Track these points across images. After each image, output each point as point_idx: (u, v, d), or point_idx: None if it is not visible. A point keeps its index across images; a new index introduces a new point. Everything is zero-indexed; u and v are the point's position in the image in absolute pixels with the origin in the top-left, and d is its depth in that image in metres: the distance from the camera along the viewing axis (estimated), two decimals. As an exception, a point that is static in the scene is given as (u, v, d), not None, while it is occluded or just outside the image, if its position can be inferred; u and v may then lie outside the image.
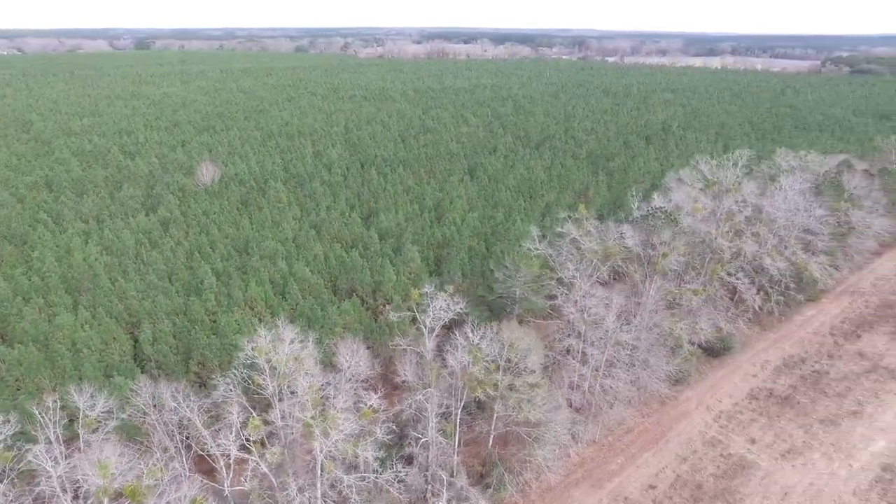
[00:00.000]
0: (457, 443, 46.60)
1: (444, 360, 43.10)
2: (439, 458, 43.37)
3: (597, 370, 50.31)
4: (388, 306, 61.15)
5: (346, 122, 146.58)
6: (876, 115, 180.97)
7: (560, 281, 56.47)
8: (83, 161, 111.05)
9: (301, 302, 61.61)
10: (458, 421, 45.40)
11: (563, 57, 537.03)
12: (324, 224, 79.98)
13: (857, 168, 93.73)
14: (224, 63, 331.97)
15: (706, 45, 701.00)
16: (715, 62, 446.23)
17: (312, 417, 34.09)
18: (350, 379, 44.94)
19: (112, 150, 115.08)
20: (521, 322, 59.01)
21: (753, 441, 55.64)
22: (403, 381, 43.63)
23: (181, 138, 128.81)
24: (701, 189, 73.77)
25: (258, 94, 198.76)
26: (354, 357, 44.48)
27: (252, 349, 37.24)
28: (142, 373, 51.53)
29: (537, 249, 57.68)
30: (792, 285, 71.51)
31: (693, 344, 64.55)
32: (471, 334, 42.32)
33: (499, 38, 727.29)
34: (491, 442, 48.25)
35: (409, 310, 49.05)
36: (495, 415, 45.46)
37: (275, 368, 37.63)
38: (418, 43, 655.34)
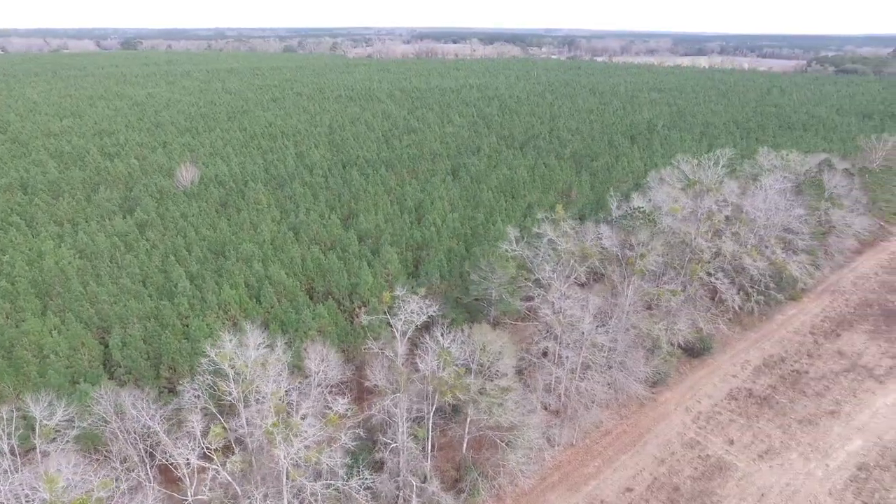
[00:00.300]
0: (430, 447, 45.98)
1: (415, 363, 42.47)
2: (410, 464, 42.71)
3: (573, 372, 49.85)
4: (363, 309, 60.45)
5: (331, 122, 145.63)
6: (859, 114, 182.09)
7: (538, 282, 56.01)
8: (61, 162, 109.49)
9: (276, 305, 60.77)
10: (431, 425, 44.79)
11: (553, 57, 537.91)
12: (302, 226, 79.10)
13: (838, 167, 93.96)
14: (211, 63, 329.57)
15: (695, 44, 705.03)
16: (702, 62, 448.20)
17: (274, 424, 33.33)
18: (320, 384, 44.24)
19: (91, 152, 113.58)
20: (497, 324, 58.53)
21: (732, 442, 55.38)
22: (374, 386, 42.93)
23: (162, 139, 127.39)
24: (681, 189, 73.61)
25: (243, 95, 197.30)
26: (324, 362, 43.79)
27: (215, 355, 36.45)
28: (110, 379, 50.53)
29: (514, 251, 57.16)
30: (772, 285, 71.40)
31: (673, 345, 64.35)
32: (441, 338, 41.70)
33: (489, 37, 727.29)
34: (465, 446, 47.66)
35: (383, 313, 48.42)
36: (468, 419, 44.88)
37: (239, 374, 36.86)
38: (408, 43, 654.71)
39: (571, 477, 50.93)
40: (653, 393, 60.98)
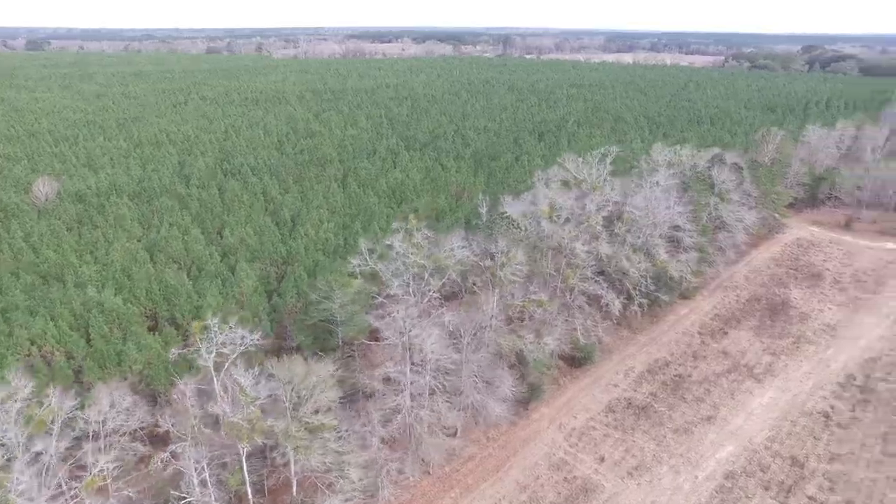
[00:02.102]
0: (250, 493, 40.59)
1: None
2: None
3: (414, 399, 45.35)
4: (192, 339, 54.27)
5: (227, 127, 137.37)
6: (764, 108, 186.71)
7: (391, 298, 51.37)
8: None
9: (106, 336, 53.81)
10: (247, 469, 39.39)
11: (485, 54, 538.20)
12: (161, 243, 71.93)
13: (728, 162, 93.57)
14: (120, 66, 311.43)
15: (627, 42, 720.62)
16: (627, 58, 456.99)
17: None
18: (112, 432, 38.17)
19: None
20: (349, 346, 53.53)
21: (602, 459, 52.21)
22: (165, 432, 37.22)
23: (32, 150, 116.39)
24: (558, 189, 70.57)
25: (143, 100, 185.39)
26: (113, 408, 37.78)
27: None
28: None
29: (364, 265, 52.32)
30: (652, 287, 69.18)
31: (550, 357, 60.90)
32: (241, 375, 36.37)
33: (424, 36, 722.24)
34: (295, 489, 42.42)
35: (194, 344, 42.61)
36: (291, 460, 39.71)
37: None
38: (341, 43, 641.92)
39: (423, 512, 46.57)
40: (527, 410, 57.39)
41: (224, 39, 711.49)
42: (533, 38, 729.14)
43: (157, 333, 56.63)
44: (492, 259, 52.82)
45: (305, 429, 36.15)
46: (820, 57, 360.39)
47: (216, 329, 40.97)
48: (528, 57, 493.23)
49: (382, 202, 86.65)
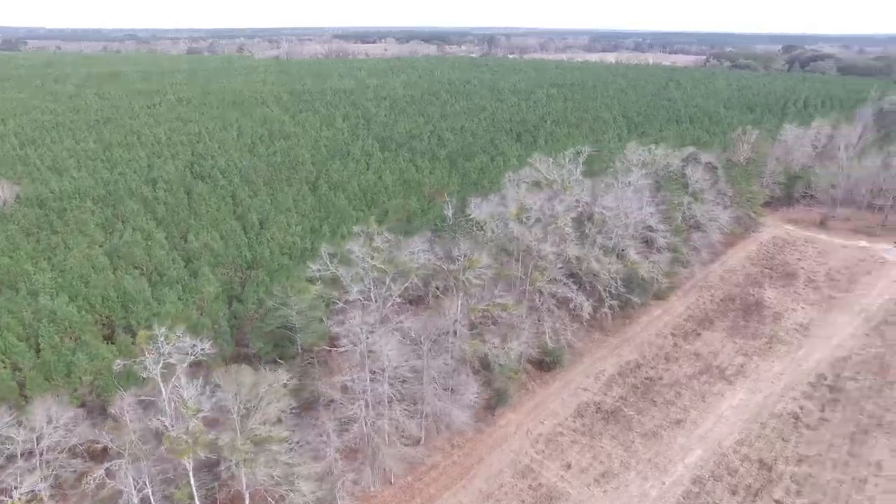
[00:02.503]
0: (200, 512, 39.07)
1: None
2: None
3: (371, 408, 44.06)
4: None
5: (200, 130, 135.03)
6: (743, 107, 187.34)
7: (352, 304, 50.04)
8: None
9: (56, 346, 51.95)
10: (196, 483, 37.89)
11: (470, 54, 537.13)
12: (123, 248, 69.99)
13: (702, 161, 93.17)
14: (97, 66, 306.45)
15: (612, 41, 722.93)
16: (611, 57, 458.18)
17: None
18: (49, 449, 36.49)
19: None
20: (308, 353, 52.09)
21: (569, 466, 51.22)
22: (105, 448, 35.66)
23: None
24: (528, 190, 69.63)
25: (116, 102, 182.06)
26: (51, 423, 36.12)
27: None
28: None
29: (325, 270, 50.93)
30: (623, 289, 68.39)
31: (519, 361, 59.86)
32: (184, 387, 34.89)
33: (409, 36, 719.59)
34: (247, 502, 40.95)
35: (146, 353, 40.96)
36: (238, 473, 38.24)
37: None
38: (328, 43, 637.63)
39: (383, 525, 45.32)
40: (494, 416, 56.27)
41: (207, 40, 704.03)
42: (518, 37, 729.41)
43: (112, 342, 54.90)
44: (454, 262, 51.63)
45: (251, 441, 34.73)
46: (800, 57, 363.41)
47: (163, 339, 39.39)
48: (511, 56, 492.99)
49: (353, 205, 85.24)
